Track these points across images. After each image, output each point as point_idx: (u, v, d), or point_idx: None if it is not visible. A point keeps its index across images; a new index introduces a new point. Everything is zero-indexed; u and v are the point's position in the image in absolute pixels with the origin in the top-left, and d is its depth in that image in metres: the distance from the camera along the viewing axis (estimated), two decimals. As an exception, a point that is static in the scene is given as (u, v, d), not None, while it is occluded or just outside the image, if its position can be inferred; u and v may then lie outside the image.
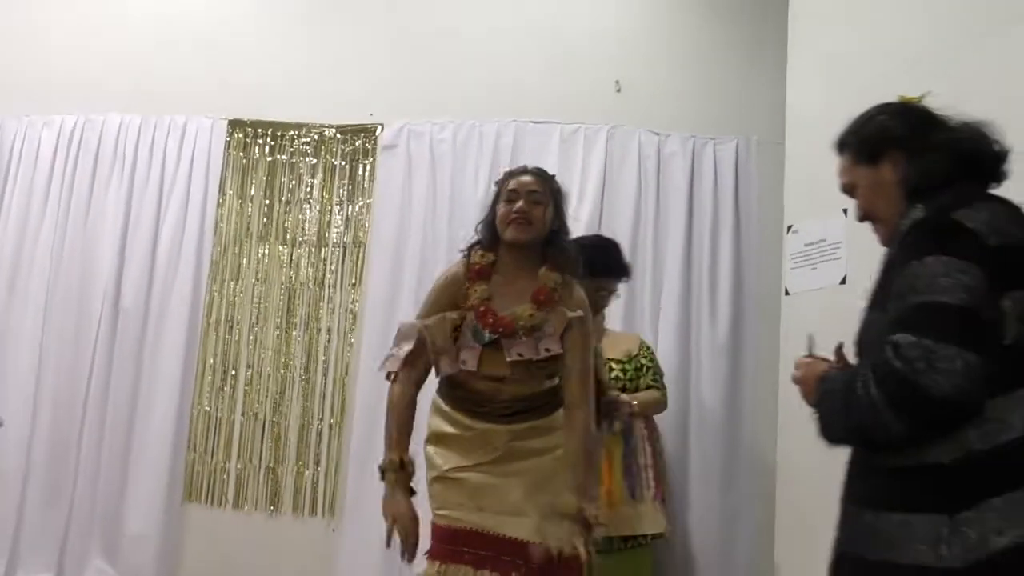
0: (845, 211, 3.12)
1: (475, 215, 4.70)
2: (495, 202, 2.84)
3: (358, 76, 5.17)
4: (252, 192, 5.18)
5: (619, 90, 5.02)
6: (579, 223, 4.86)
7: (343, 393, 4.97)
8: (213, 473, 5.02)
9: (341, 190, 5.13)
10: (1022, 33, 2.86)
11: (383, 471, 2.68)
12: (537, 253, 2.80)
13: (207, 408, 5.05)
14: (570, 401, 2.70)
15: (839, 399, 1.65)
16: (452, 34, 5.17)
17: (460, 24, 5.18)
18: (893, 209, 1.80)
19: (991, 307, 1.54)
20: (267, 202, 5.17)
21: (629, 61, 5.09)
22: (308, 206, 5.14)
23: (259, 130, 5.20)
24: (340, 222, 5.12)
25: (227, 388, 5.06)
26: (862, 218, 1.93)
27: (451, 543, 2.65)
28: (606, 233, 4.86)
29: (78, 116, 5.27)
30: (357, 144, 5.15)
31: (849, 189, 1.95)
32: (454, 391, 2.78)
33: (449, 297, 2.74)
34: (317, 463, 4.95)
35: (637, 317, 4.79)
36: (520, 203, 2.75)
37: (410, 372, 2.75)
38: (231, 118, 5.20)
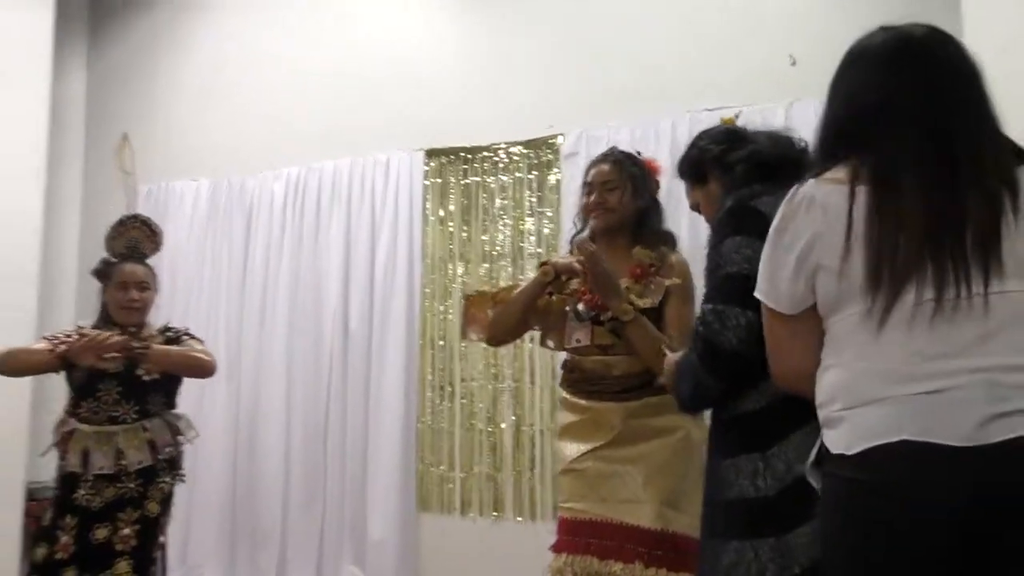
0: None
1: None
2: (581, 193, 2.93)
3: (534, 90, 5.32)
4: (451, 215, 5.49)
5: (794, 63, 4.79)
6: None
7: (552, 399, 5.12)
8: (441, 482, 5.36)
9: (531, 203, 5.30)
10: None
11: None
12: (629, 233, 2.84)
13: (429, 421, 5.40)
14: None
15: (681, 370, 1.95)
16: (615, 34, 5.18)
17: (622, 23, 5.18)
18: None
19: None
20: (465, 223, 5.45)
21: (800, 33, 4.85)
22: (502, 222, 5.36)
23: (452, 156, 5.51)
24: (533, 233, 5.29)
25: (445, 401, 5.38)
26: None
27: (575, 534, 2.71)
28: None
29: (300, 167, 5.87)
30: (542, 157, 5.31)
31: (695, 207, 2.32)
32: (571, 375, 2.87)
33: (555, 287, 2.85)
34: (532, 468, 5.13)
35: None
36: (594, 195, 2.82)
37: None
38: (427, 148, 5.54)
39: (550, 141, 5.27)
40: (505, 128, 5.37)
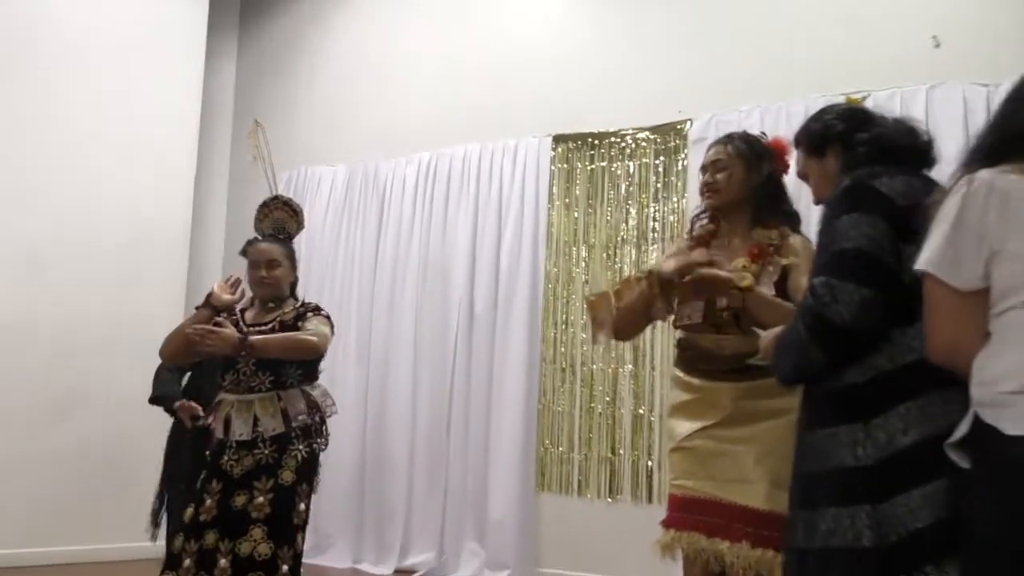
0: None
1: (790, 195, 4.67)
2: (700, 175, 2.93)
3: (662, 76, 5.32)
4: (577, 200, 5.54)
5: (937, 45, 4.62)
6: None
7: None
8: (560, 463, 5.42)
9: (656, 189, 5.30)
10: None
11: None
12: (750, 214, 2.81)
13: (550, 403, 5.47)
14: None
15: (783, 344, 1.97)
16: (747, 18, 5.12)
17: (754, 6, 5.12)
18: None
19: (892, 253, 1.83)
20: (591, 208, 5.49)
21: (944, 14, 4.67)
22: (627, 208, 5.37)
23: (578, 142, 5.55)
24: (658, 219, 5.28)
25: (566, 384, 5.43)
26: (817, 202, 2.24)
27: (684, 511, 2.70)
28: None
29: (431, 152, 6.04)
30: (669, 143, 5.29)
31: (803, 177, 2.33)
32: (684, 353, 2.86)
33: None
34: (650, 453, 5.13)
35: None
36: (707, 176, 2.82)
37: None
38: (554, 134, 5.61)
39: (678, 127, 5.26)
40: (632, 114, 5.38)
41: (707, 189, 2.85)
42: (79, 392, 5.74)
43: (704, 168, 2.89)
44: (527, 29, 5.91)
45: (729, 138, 2.91)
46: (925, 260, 1.74)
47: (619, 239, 5.37)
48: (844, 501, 1.78)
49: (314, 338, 3.46)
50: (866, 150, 2.05)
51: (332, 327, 3.64)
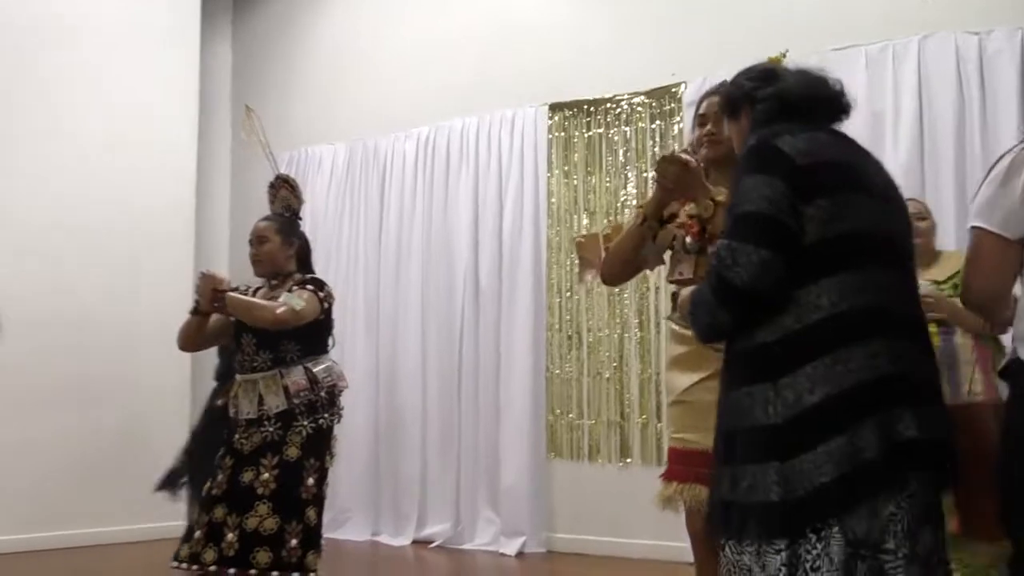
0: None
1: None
2: (692, 126, 2.89)
3: (655, 39, 5.32)
4: (575, 168, 5.56)
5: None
6: (899, 145, 4.59)
7: (678, 347, 5.14)
8: (570, 430, 5.49)
9: (654, 153, 5.29)
10: None
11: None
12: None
13: (557, 370, 5.52)
14: None
15: (695, 303, 2.00)
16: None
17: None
18: None
19: (791, 214, 1.85)
20: (589, 175, 5.51)
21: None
22: (626, 173, 5.38)
23: (574, 109, 5.56)
24: (657, 183, 5.29)
25: (572, 351, 5.48)
26: None
27: (685, 464, 2.74)
28: (929, 150, 4.53)
29: (429, 125, 6.05)
30: (664, 106, 5.29)
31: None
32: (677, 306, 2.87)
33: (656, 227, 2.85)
34: (659, 416, 5.18)
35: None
36: (708, 126, 2.78)
37: None
38: (550, 103, 5.61)
39: (672, 90, 5.25)
40: (627, 79, 5.38)
41: (708, 139, 2.80)
42: (94, 380, 5.83)
43: (702, 117, 2.83)
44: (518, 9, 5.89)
45: (724, 89, 2.86)
46: (975, 213, 1.92)
47: (619, 205, 5.39)
48: (758, 458, 1.85)
49: (279, 309, 3.43)
50: (765, 107, 2.04)
51: (321, 300, 3.56)
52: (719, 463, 1.97)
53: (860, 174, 1.97)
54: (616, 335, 5.35)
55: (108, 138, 6.03)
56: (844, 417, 1.79)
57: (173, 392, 5.99)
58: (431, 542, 5.79)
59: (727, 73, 4.92)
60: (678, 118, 5.23)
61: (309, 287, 3.56)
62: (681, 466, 2.77)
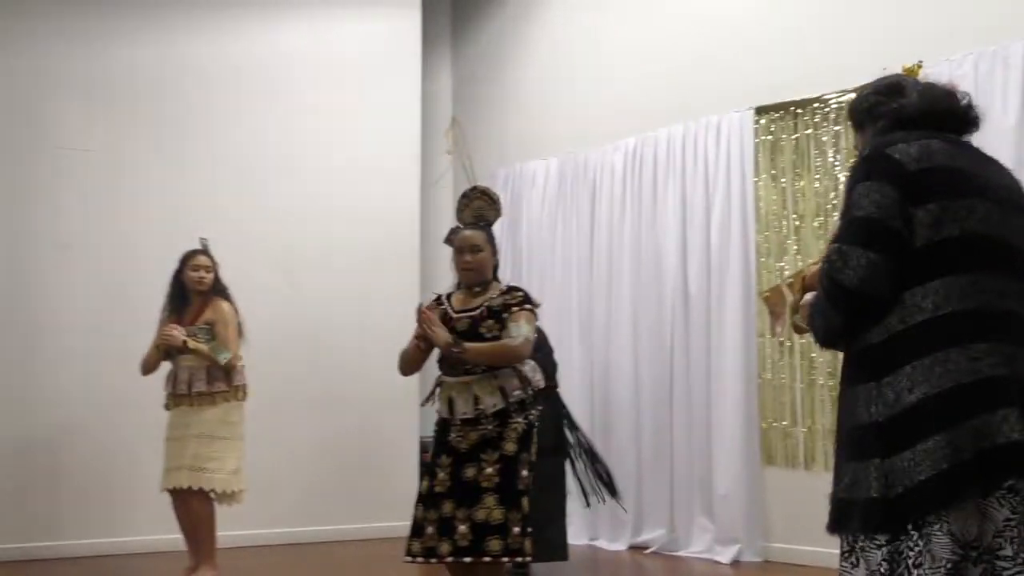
0: None
1: (1009, 141, 4.41)
2: None
3: (863, 34, 5.14)
4: (783, 171, 5.47)
5: None
6: None
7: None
8: (784, 437, 5.39)
9: (865, 151, 5.13)
10: None
11: None
12: None
13: (769, 376, 5.44)
14: None
15: (813, 308, 2.06)
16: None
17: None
18: None
19: (902, 218, 1.91)
20: (798, 177, 5.40)
21: None
22: (835, 174, 5.23)
23: (781, 111, 5.47)
24: (870, 183, 5.11)
25: (785, 357, 5.38)
26: None
27: None
28: None
29: (636, 137, 6.15)
30: (875, 102, 5.10)
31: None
32: None
33: None
34: (877, 423, 4.98)
35: None
36: None
37: None
38: (756, 106, 5.56)
39: (883, 85, 5.05)
40: (835, 77, 5.22)
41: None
42: (334, 390, 6.36)
43: None
44: (723, 3, 5.88)
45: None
46: None
47: (829, 207, 5.24)
48: (861, 455, 1.91)
49: (517, 344, 3.64)
50: (884, 124, 2.10)
51: (536, 316, 3.78)
52: (836, 460, 2.04)
53: (974, 179, 2.00)
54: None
55: (335, 172, 6.55)
56: (942, 417, 1.83)
57: (403, 402, 6.37)
58: (646, 548, 5.85)
59: (944, 62, 4.76)
60: (890, 114, 5.03)
61: (527, 308, 3.74)
62: None
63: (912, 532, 1.84)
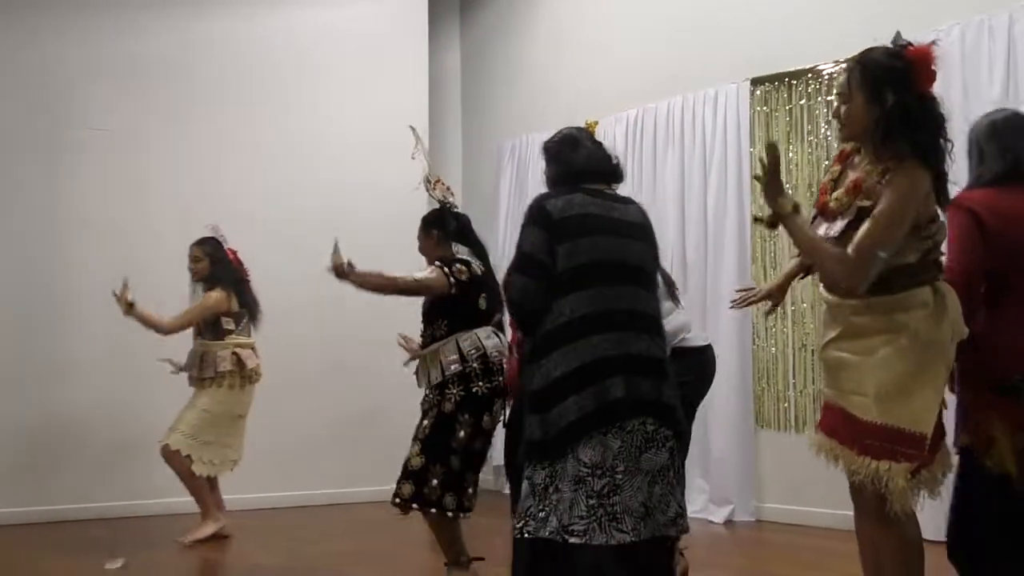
0: None
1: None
2: None
3: (851, 6, 5.23)
4: (778, 140, 5.56)
5: None
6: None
7: (886, 318, 5.05)
8: (777, 401, 5.53)
9: (856, 121, 5.22)
10: None
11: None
12: (872, 145, 2.73)
13: (763, 343, 5.58)
14: None
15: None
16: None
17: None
18: None
19: (549, 253, 2.85)
20: (792, 147, 5.50)
21: None
22: (828, 144, 5.33)
23: (776, 82, 5.57)
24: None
25: (778, 323, 5.52)
26: None
27: (824, 415, 2.86)
28: None
29: (637, 108, 6.27)
30: (866, 72, 5.18)
31: None
32: None
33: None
34: (866, 387, 5.11)
35: None
36: (836, 106, 2.79)
37: None
38: (751, 77, 5.66)
39: (875, 55, 5.13)
40: (830, 47, 5.31)
41: (836, 120, 2.82)
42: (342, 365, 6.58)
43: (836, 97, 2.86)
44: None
45: (850, 64, 2.82)
46: None
47: (821, 177, 5.33)
48: (531, 412, 2.88)
49: (400, 277, 3.97)
50: (557, 169, 3.11)
51: (444, 274, 3.96)
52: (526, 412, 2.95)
53: (602, 220, 2.90)
54: (821, 307, 5.31)
55: (349, 153, 6.73)
56: (574, 385, 2.79)
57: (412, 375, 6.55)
58: (646, 508, 6.02)
59: (931, 32, 4.83)
60: (881, 84, 5.11)
61: (437, 264, 4.01)
62: (823, 417, 2.89)
63: (560, 460, 2.79)
